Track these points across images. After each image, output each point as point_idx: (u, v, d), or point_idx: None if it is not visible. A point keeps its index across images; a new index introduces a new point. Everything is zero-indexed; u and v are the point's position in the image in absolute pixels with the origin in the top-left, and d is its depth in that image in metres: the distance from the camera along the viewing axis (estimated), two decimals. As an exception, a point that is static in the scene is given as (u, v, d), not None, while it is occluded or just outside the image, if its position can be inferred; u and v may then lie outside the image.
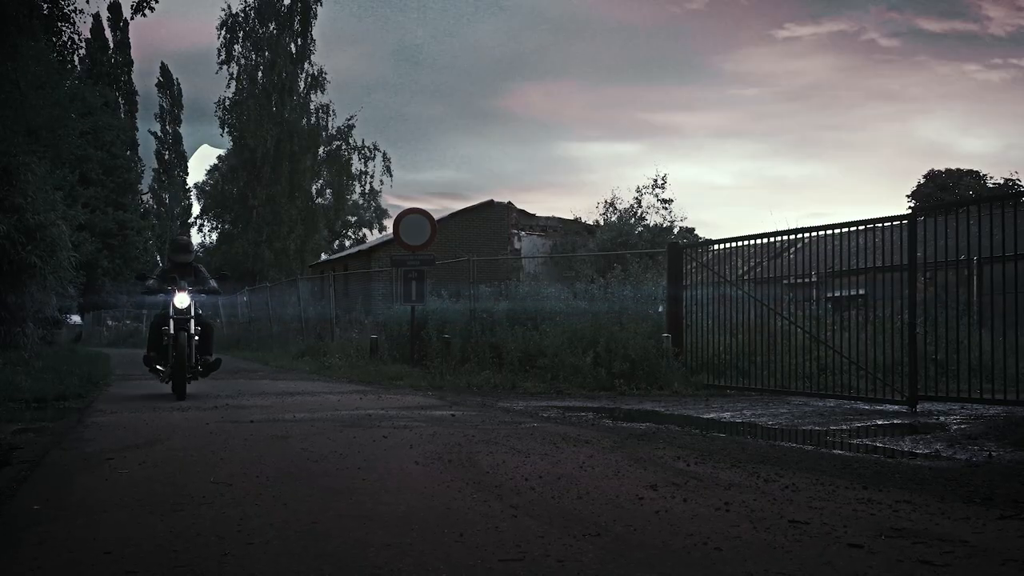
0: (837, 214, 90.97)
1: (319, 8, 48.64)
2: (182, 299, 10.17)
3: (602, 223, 31.50)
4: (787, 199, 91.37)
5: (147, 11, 13.84)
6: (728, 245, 11.92)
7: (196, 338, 10.29)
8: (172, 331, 10.05)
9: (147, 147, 54.86)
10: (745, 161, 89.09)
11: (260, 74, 47.49)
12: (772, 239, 11.21)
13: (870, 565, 2.95)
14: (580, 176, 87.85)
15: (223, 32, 47.70)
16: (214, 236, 53.10)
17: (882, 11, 79.76)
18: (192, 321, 10.23)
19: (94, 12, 42.83)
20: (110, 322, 45.01)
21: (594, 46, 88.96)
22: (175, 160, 60.08)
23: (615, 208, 31.33)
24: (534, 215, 33.90)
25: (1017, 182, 42.92)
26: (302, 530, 3.41)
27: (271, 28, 47.55)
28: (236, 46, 47.81)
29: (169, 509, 3.73)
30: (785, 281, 11.58)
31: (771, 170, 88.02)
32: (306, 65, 48.38)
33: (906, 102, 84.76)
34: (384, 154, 51.85)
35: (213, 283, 11.12)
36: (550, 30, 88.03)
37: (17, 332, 14.84)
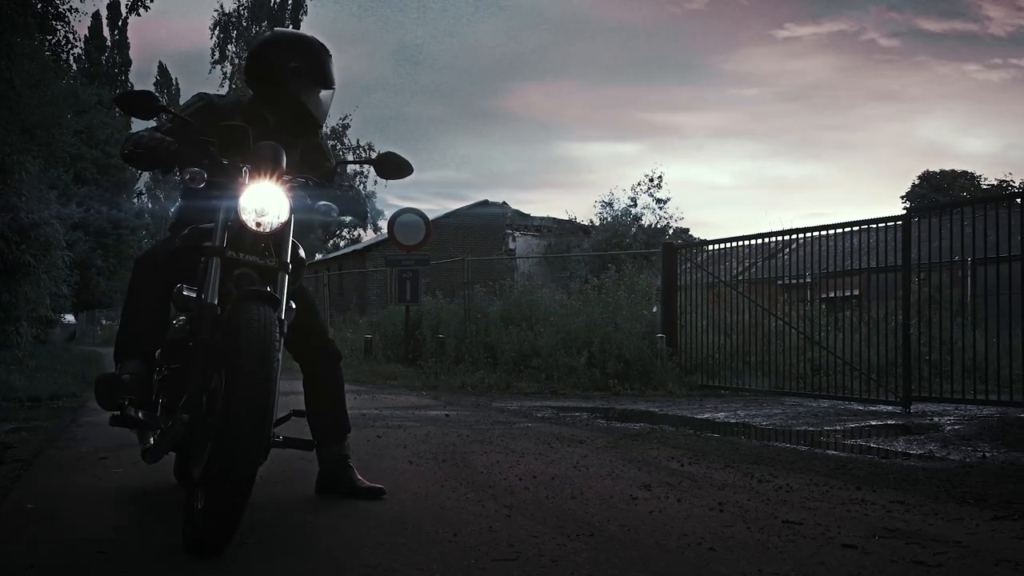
0: (836, 214, 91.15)
1: (309, 4, 48.70)
2: (268, 197, 3.31)
3: (598, 223, 31.53)
4: (787, 199, 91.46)
5: (142, 9, 13.85)
6: (723, 245, 11.94)
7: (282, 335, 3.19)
8: (207, 299, 3.22)
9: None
10: (745, 161, 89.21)
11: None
12: (767, 240, 11.22)
13: (863, 566, 2.96)
14: (580, 176, 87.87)
15: (216, 32, 47.72)
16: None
17: (882, 11, 79.95)
18: (287, 278, 3.37)
19: (91, 11, 42.76)
20: (104, 321, 44.89)
21: (594, 46, 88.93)
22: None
23: (612, 207, 31.34)
24: (529, 215, 33.94)
25: (1011, 183, 43.04)
26: (295, 529, 3.40)
27: (263, 26, 47.56)
28: (229, 46, 47.83)
29: (163, 507, 3.72)
30: (780, 282, 11.59)
31: (771, 170, 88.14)
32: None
33: (906, 102, 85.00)
34: (380, 154, 51.72)
35: (358, 189, 4.50)
36: (550, 30, 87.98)
37: (11, 331, 14.80)
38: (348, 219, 4.23)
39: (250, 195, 3.29)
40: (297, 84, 3.81)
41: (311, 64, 3.85)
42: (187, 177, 3.33)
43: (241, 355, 2.91)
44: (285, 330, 3.26)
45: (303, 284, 4.08)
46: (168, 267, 3.63)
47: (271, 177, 3.33)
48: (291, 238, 3.44)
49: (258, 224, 3.30)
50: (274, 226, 3.33)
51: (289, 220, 3.38)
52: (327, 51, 3.97)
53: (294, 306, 3.45)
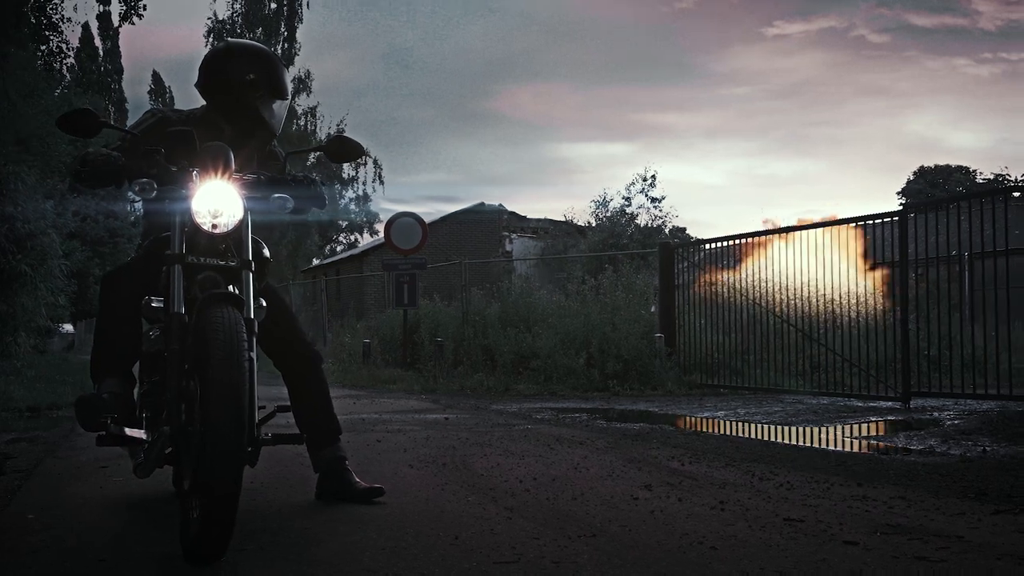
0: (829, 210, 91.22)
1: (304, 11, 48.70)
2: (220, 197, 3.30)
3: (593, 223, 31.52)
4: (779, 196, 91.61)
5: (135, 18, 13.86)
6: (720, 244, 11.93)
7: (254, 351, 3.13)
8: (173, 307, 3.19)
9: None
10: (737, 159, 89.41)
11: (248, 79, 47.45)
12: (763, 237, 11.22)
13: (865, 562, 2.95)
14: (573, 177, 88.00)
15: (210, 39, 47.68)
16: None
17: (871, 7, 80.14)
18: (251, 276, 3.32)
19: (82, 22, 42.85)
20: (102, 330, 44.83)
21: (584, 47, 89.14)
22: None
23: (606, 207, 31.33)
24: (525, 217, 33.93)
25: (1007, 177, 43.10)
26: (296, 535, 3.40)
27: (258, 33, 47.54)
28: (224, 53, 47.80)
29: (163, 516, 3.71)
30: (778, 279, 11.59)
31: (763, 168, 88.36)
32: (291, 69, 48.40)
33: (896, 97, 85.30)
34: (375, 160, 51.82)
35: (315, 177, 3.97)
36: (540, 32, 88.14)
37: (9, 341, 14.78)
38: (320, 214, 3.98)
39: (202, 197, 3.26)
40: (254, 95, 3.78)
41: (267, 75, 3.81)
42: (136, 189, 3.27)
43: (210, 360, 2.87)
44: (255, 329, 3.22)
45: (274, 287, 4.05)
46: (134, 280, 3.62)
47: (221, 176, 3.30)
48: (250, 236, 3.39)
49: (214, 225, 3.27)
50: (230, 225, 3.30)
51: (245, 217, 3.35)
52: (281, 61, 3.96)
53: (264, 304, 3.43)
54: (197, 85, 3.93)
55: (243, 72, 3.78)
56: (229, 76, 3.80)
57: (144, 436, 3.42)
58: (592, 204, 31.98)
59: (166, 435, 3.12)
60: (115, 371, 3.65)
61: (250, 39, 46.03)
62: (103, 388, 3.59)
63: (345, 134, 3.94)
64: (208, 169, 3.30)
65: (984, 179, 44.69)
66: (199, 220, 3.25)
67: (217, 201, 3.27)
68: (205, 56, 3.94)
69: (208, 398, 2.84)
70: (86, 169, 3.49)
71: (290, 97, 3.87)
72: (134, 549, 3.25)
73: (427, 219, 16.51)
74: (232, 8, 47.89)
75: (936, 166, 47.25)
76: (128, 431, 3.35)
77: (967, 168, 46.79)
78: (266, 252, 3.61)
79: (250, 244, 3.38)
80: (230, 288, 3.25)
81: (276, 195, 3.53)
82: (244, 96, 3.78)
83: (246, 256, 3.34)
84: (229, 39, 3.84)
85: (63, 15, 14.09)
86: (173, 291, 3.21)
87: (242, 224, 3.34)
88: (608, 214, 31.00)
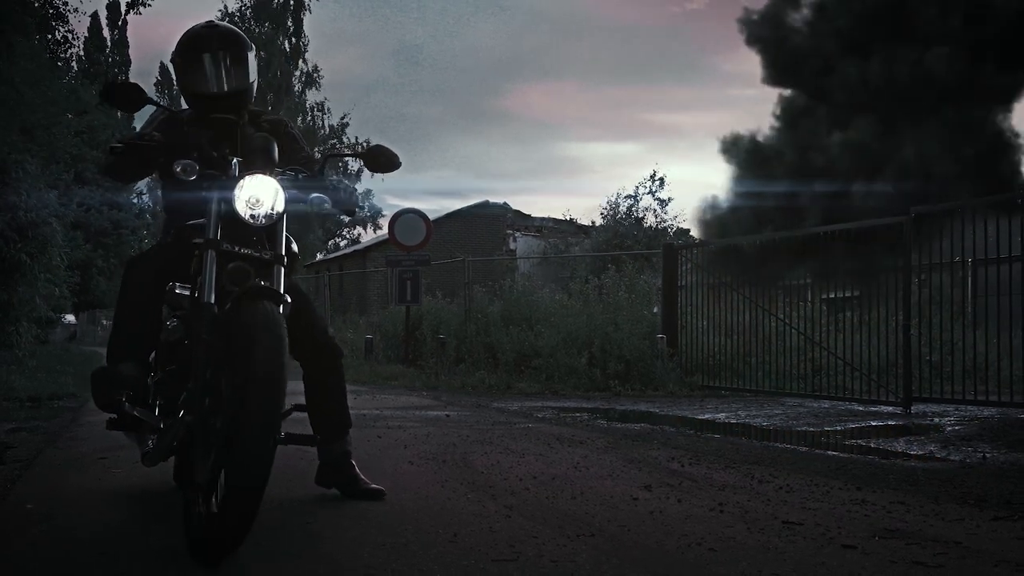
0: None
1: (312, 4, 48.76)
2: (263, 189, 3.25)
3: (600, 223, 31.47)
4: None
5: (142, 7, 13.87)
6: (724, 245, 11.93)
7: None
8: (204, 296, 3.16)
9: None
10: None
11: (256, 73, 47.54)
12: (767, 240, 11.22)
13: (863, 566, 2.96)
14: (580, 176, 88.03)
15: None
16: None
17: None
18: (282, 271, 3.32)
19: (90, 12, 42.80)
20: (105, 321, 44.95)
21: (594, 46, 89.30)
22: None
23: (618, 208, 31.27)
24: (529, 215, 33.91)
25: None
26: (296, 530, 3.40)
27: (266, 27, 47.60)
28: (232, 46, 47.82)
29: (163, 508, 3.72)
30: (781, 282, 11.58)
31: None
32: (300, 63, 48.46)
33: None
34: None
35: (346, 184, 4.13)
36: (550, 30, 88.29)
37: (11, 331, 14.80)
38: (345, 218, 3.91)
39: (245, 186, 3.22)
40: (217, 82, 3.70)
41: (225, 57, 3.72)
42: (178, 169, 3.21)
43: (254, 356, 2.81)
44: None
45: (297, 281, 4.01)
46: (158, 266, 3.56)
47: (264, 169, 3.27)
48: (284, 231, 3.37)
49: (252, 216, 3.22)
50: (271, 218, 3.26)
51: (283, 212, 3.31)
52: (210, 25, 3.83)
53: (290, 300, 3.33)
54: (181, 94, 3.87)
55: (206, 85, 3.72)
56: (200, 91, 3.75)
57: (156, 421, 3.36)
58: (606, 204, 31.92)
59: (184, 424, 3.07)
60: (131, 356, 3.55)
61: (258, 34, 46.06)
62: (118, 368, 3.51)
63: (382, 144, 3.86)
64: (251, 160, 3.30)
65: (989, 185, 44.62)
66: (239, 208, 3.20)
67: (259, 192, 3.23)
68: (175, 74, 3.88)
69: (249, 394, 2.77)
70: (128, 144, 3.47)
71: (252, 48, 3.82)
72: (134, 541, 3.25)
73: (432, 216, 16.51)
74: (240, 1, 47.94)
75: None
76: (138, 412, 3.31)
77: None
78: (295, 247, 3.58)
79: (284, 239, 3.37)
80: (259, 280, 3.20)
81: (315, 194, 3.53)
82: (221, 103, 3.73)
83: (279, 251, 3.33)
84: (174, 56, 3.74)
85: (70, 5, 14.05)
86: (205, 278, 3.15)
87: (280, 218, 3.32)
88: (618, 216, 30.96)
